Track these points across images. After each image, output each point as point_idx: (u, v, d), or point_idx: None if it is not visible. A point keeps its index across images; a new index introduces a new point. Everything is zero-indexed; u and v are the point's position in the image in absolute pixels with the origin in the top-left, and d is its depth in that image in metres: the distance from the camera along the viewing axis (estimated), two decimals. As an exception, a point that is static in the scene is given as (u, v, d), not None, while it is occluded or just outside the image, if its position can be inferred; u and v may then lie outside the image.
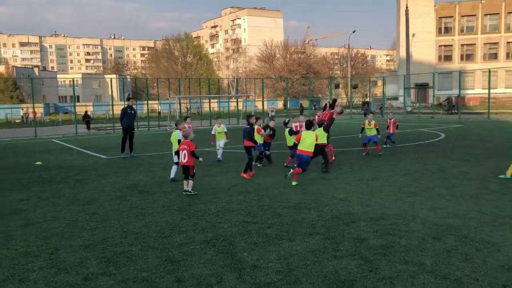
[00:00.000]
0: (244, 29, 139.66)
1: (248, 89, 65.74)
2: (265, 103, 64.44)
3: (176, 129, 11.15)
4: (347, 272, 4.98)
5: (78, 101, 76.78)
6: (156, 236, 6.48)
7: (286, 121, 13.13)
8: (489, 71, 35.50)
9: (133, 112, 16.33)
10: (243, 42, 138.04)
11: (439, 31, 62.98)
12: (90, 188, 10.33)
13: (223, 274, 4.99)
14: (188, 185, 9.32)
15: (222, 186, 10.16)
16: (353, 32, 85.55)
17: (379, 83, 76.10)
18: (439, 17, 62.52)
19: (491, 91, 53.09)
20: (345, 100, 76.14)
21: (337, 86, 15.35)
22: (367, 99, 60.77)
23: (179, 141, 10.56)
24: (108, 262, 5.46)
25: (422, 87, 58.19)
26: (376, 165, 12.53)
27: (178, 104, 36.02)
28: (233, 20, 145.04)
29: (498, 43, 61.31)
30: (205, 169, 12.37)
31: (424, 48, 62.36)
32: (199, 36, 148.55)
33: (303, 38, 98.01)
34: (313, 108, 65.43)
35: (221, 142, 14.32)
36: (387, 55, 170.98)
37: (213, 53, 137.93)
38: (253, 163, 11.89)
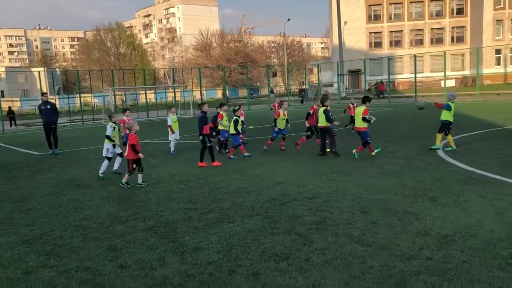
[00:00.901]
0: (179, 18, 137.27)
1: (185, 79, 65.07)
2: (204, 92, 64.02)
3: (111, 121, 10.93)
4: (283, 247, 5.34)
5: (3, 96, 72.21)
6: (97, 227, 6.52)
7: (236, 108, 13.00)
8: (415, 56, 37.56)
9: (49, 107, 15.20)
10: (178, 31, 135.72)
11: (369, 19, 65.36)
12: (24, 185, 10.03)
13: (166, 258, 5.18)
14: (124, 177, 9.21)
15: (163, 176, 10.24)
16: (288, 20, 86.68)
17: (315, 70, 78.15)
18: (369, 5, 64.85)
19: (418, 75, 56.35)
20: (283, 88, 77.38)
21: (420, 108, 15.29)
22: (304, 87, 62.17)
23: (107, 136, 10.47)
24: (49, 255, 5.46)
25: (355, 73, 60.41)
26: (311, 149, 13.08)
27: (113, 97, 35.04)
28: (166, 9, 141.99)
29: (423, 29, 64.69)
30: (144, 161, 12.31)
31: (356, 36, 64.55)
32: (132, 26, 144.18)
33: (239, 27, 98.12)
34: (251, 97, 66.02)
35: (177, 133, 13.85)
36: (322, 43, 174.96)
37: (147, 43, 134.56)
38: (218, 149, 12.78)
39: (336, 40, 60.99)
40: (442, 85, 51.90)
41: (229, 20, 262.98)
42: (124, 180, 9.19)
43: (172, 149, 13.82)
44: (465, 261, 4.67)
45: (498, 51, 56.74)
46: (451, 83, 57.63)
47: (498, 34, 57.65)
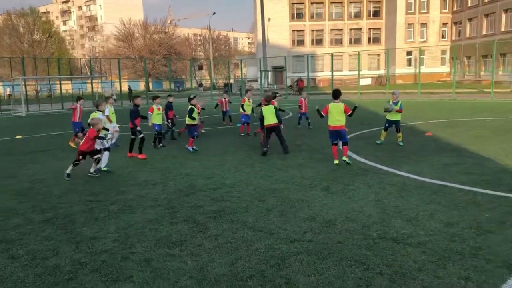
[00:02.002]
0: (100, 5, 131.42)
1: (106, 70, 62.69)
2: (125, 84, 62.07)
3: (97, 110, 10.47)
4: (179, 235, 5.60)
5: None
6: (-9, 220, 6.35)
7: (192, 97, 12.49)
8: (332, 56, 39.25)
9: None
10: (99, 19, 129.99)
11: (292, 17, 67.11)
12: None
13: (60, 248, 5.23)
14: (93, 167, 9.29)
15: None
16: (213, 14, 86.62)
17: (242, 65, 78.84)
18: (292, 3, 66.58)
19: (337, 73, 58.84)
20: (209, 82, 77.27)
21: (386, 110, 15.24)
22: (229, 81, 62.56)
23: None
24: None
25: (279, 70, 61.87)
26: (225, 142, 13.44)
27: (24, 86, 33.04)
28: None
29: (342, 29, 67.69)
30: (52, 153, 11.97)
31: (280, 33, 66.04)
32: (48, 12, 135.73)
33: (165, 18, 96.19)
34: (177, 90, 65.21)
35: (116, 125, 12.79)
36: (248, 38, 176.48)
37: (65, 31, 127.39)
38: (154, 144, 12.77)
39: (260, 36, 61.92)
40: (360, 83, 54.86)
41: (154, 11, 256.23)
42: (92, 170, 9.24)
43: (113, 141, 13.40)
44: (340, 242, 5.22)
45: (409, 53, 60.76)
46: (367, 81, 60.99)
47: (409, 37, 61.79)
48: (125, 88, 55.25)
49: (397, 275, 4.33)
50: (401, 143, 12.01)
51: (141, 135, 11.15)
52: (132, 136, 11.27)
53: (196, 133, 12.22)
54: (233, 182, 8.32)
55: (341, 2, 66.43)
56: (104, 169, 9.62)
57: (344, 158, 9.54)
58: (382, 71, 63.88)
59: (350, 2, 66.56)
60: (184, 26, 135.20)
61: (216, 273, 4.48)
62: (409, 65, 61.29)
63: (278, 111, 11.85)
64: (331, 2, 66.39)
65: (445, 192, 7.24)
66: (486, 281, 4.15)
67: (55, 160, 11.05)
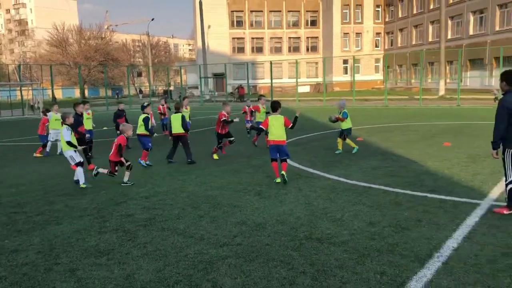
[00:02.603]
0: (31, 9, 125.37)
1: (38, 76, 59.85)
2: (59, 91, 59.59)
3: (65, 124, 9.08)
4: (107, 244, 5.51)
5: None
6: None
7: (145, 104, 11.66)
8: (271, 63, 39.94)
9: None
10: (30, 23, 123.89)
11: (232, 24, 67.61)
12: None
13: (-22, 263, 4.98)
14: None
15: (-7, 180, 9.54)
16: (152, 20, 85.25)
17: (183, 72, 78.18)
18: (231, 11, 67.12)
19: (277, 81, 59.83)
20: (148, 89, 75.89)
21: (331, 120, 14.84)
22: (168, 88, 61.80)
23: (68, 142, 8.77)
24: None
25: (220, 77, 62.03)
26: (160, 150, 13.29)
27: None
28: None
29: (281, 37, 69.08)
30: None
31: (220, 40, 66.26)
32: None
33: (101, 23, 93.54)
34: (116, 97, 63.37)
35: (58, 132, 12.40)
36: (189, 45, 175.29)
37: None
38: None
39: (200, 43, 61.82)
40: (299, 90, 56.13)
41: (90, 16, 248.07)
42: (126, 179, 8.90)
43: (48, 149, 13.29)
44: (268, 244, 5.37)
45: (345, 61, 63.09)
46: (306, 89, 62.58)
47: (345, 46, 64.20)
48: (59, 95, 52.97)
49: (319, 273, 4.53)
50: (338, 151, 11.96)
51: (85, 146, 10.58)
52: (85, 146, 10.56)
53: (150, 144, 11.06)
54: (167, 190, 8.29)
55: (280, 11, 67.85)
56: (83, 185, 8.74)
57: (282, 172, 8.56)
58: (320, 79, 65.76)
59: (289, 11, 68.15)
60: (122, 32, 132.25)
61: (143, 280, 4.47)
62: (346, 73, 63.60)
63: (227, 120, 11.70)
64: (270, 11, 67.63)
65: (370, 193, 7.64)
66: (399, 274, 4.45)
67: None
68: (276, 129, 8.57)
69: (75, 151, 8.85)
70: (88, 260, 5.01)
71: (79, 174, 8.75)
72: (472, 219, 6.08)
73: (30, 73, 57.07)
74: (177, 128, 11.01)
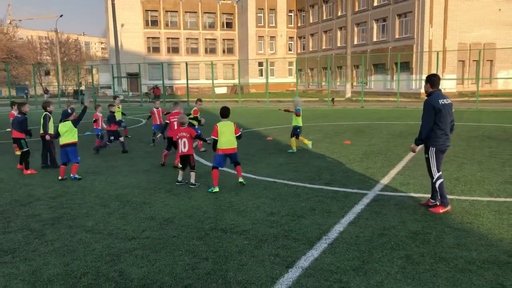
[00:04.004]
0: None
1: None
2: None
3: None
4: (12, 243, 5.52)
5: None
6: None
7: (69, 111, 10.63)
8: (186, 64, 39.95)
9: None
10: None
11: (146, 24, 66.31)
12: None
13: None
14: (191, 177, 8.48)
15: None
16: (61, 16, 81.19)
17: (95, 71, 75.04)
18: (146, 10, 65.85)
19: (195, 81, 59.81)
20: (57, 88, 71.89)
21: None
22: (81, 87, 59.15)
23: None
24: None
25: (134, 77, 60.55)
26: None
27: None
28: None
29: (198, 39, 69.11)
30: None
31: (134, 39, 64.70)
32: None
33: (3, 18, 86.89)
34: (25, 96, 59.22)
35: None
36: (101, 43, 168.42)
37: None
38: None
39: (113, 42, 59.94)
40: (216, 91, 56.59)
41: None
42: (193, 180, 8.46)
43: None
44: (175, 236, 5.73)
45: (260, 64, 64.62)
46: (223, 90, 63.26)
47: (260, 49, 65.83)
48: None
49: (220, 258, 4.98)
50: (292, 151, 12.17)
51: (27, 149, 10.20)
52: (25, 150, 10.16)
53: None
54: (76, 190, 8.28)
55: (196, 12, 67.89)
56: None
57: (240, 179, 8.43)
58: (236, 81, 66.86)
59: (205, 12, 68.41)
60: (28, 27, 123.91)
61: (49, 274, 4.61)
62: (261, 75, 65.12)
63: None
64: (186, 11, 67.41)
65: (274, 187, 8.27)
66: (290, 255, 5.04)
67: None
68: (227, 136, 8.11)
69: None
70: (-9, 259, 5.01)
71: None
72: (359, 207, 6.91)
73: None
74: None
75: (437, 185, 6.58)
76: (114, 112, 13.11)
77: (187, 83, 39.84)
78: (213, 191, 7.98)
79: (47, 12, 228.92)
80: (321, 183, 8.50)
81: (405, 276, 4.47)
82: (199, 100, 13.54)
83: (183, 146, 8.41)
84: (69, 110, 9.81)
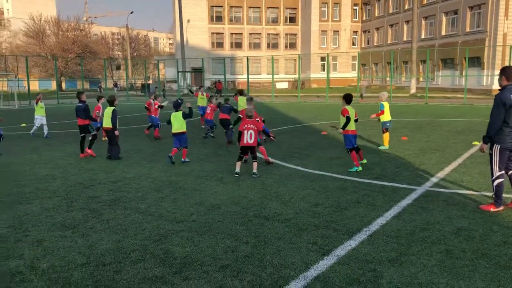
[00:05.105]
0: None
1: (14, 68, 59.12)
2: (35, 83, 59.06)
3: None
4: (73, 220, 6.06)
5: None
6: None
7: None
8: (247, 59, 40.47)
9: None
10: (5, 13, 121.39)
11: (211, 19, 67.83)
12: None
13: (-48, 235, 5.47)
14: (253, 167, 8.73)
15: (-33, 166, 9.93)
16: (131, 13, 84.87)
17: (161, 66, 78.04)
18: (211, 6, 67.36)
19: (256, 76, 60.42)
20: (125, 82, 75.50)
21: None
22: (148, 82, 61.77)
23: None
24: None
25: (198, 71, 62.27)
26: (132, 141, 13.78)
27: None
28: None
29: (260, 33, 69.68)
30: None
31: (199, 34, 66.46)
32: None
33: (79, 15, 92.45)
34: (98, 90, 62.95)
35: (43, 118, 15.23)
36: (169, 39, 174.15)
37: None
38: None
39: (179, 37, 61.95)
40: (277, 86, 56.86)
41: (68, 7, 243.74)
42: (255, 170, 8.72)
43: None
44: (220, 221, 6.00)
45: (323, 58, 63.97)
46: (284, 85, 63.36)
47: (323, 43, 65.13)
48: (35, 87, 52.50)
49: (259, 243, 5.18)
50: (382, 147, 11.86)
51: (94, 132, 11.51)
52: (82, 135, 11.22)
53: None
54: (134, 176, 8.83)
55: (259, 7, 68.37)
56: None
57: (364, 161, 9.66)
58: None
59: (268, 7, 68.73)
60: (102, 24, 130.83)
61: (103, 248, 5.05)
62: (323, 70, 64.44)
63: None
64: (249, 7, 68.09)
65: (321, 180, 8.34)
66: (327, 244, 5.13)
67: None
68: (354, 119, 9.17)
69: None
70: (54, 233, 5.55)
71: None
72: (405, 202, 6.82)
73: (5, 64, 56.30)
74: (107, 123, 10.64)
75: (495, 183, 6.30)
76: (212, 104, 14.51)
77: (248, 78, 40.37)
78: (358, 170, 9.03)
79: (120, 9, 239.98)
80: (370, 178, 8.44)
81: (441, 269, 4.43)
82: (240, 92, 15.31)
83: (249, 138, 8.71)
84: (179, 101, 10.42)
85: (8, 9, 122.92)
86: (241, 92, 15.94)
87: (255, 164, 8.75)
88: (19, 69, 58.53)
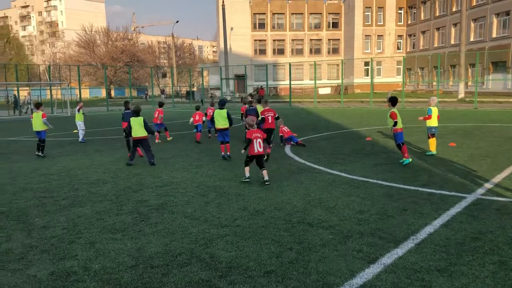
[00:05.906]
0: (61, 11, 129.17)
1: (67, 77, 61.92)
2: (86, 91, 61.57)
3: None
4: (122, 223, 6.29)
5: None
6: None
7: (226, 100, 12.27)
8: (290, 65, 40.52)
9: None
10: (60, 25, 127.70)
11: (254, 26, 68.43)
12: None
13: (13, 235, 5.82)
14: (264, 175, 8.64)
15: (24, 170, 10.49)
16: (177, 22, 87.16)
17: (205, 73, 79.42)
18: (254, 13, 67.98)
19: (298, 82, 60.40)
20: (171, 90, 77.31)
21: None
22: (192, 89, 63.00)
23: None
24: None
25: (241, 78, 62.90)
26: (178, 146, 14.11)
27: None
28: (47, 1, 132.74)
29: (303, 39, 69.55)
30: (6, 157, 12.33)
31: (242, 42, 67.18)
32: (7, 16, 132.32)
33: (127, 25, 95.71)
34: (144, 97, 64.91)
35: (82, 123, 16.15)
36: (213, 46, 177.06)
37: (24, 36, 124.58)
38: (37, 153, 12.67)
39: (222, 45, 62.87)
40: (320, 92, 56.51)
41: (117, 17, 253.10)
42: (267, 177, 8.61)
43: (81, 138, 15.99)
44: (264, 226, 6.05)
45: (367, 63, 62.98)
46: (327, 90, 62.85)
47: (367, 48, 64.19)
48: (86, 95, 54.73)
49: (304, 249, 5.18)
50: (429, 152, 11.63)
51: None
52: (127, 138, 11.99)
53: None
54: (180, 181, 9.04)
55: (302, 13, 68.30)
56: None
57: (408, 160, 10.33)
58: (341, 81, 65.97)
59: (310, 13, 68.53)
60: (148, 33, 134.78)
61: (151, 251, 5.21)
62: (367, 75, 63.45)
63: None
64: (292, 13, 68.16)
65: (366, 186, 8.22)
66: (374, 252, 5.06)
67: (9, 163, 11.44)
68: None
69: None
70: (105, 235, 5.78)
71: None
72: (455, 210, 6.62)
73: (59, 74, 59.08)
74: (138, 132, 10.74)
75: None
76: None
77: (290, 84, 40.40)
78: (409, 162, 10.25)
79: (166, 19, 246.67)
80: (417, 185, 8.24)
81: (495, 281, 4.27)
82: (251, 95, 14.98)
83: (259, 146, 8.75)
84: (226, 99, 10.97)
85: (62, 21, 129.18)
86: (259, 101, 15.62)
87: (265, 172, 8.68)
88: (72, 78, 61.17)
